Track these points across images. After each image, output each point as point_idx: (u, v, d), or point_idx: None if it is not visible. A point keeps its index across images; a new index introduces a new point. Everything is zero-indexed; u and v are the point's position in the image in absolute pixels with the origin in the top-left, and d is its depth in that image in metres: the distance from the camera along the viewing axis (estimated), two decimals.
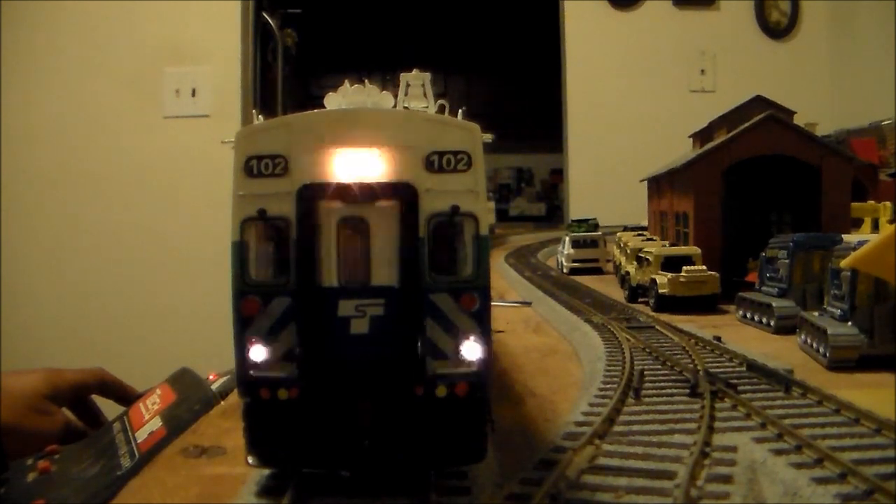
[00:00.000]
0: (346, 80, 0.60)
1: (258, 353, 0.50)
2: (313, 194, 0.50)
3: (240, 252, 0.50)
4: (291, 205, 0.50)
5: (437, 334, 0.50)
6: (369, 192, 0.50)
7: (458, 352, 0.50)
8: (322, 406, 0.50)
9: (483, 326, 0.50)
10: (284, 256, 0.50)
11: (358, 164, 0.50)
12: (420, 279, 0.49)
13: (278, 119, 0.52)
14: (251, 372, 0.50)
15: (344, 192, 0.50)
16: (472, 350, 0.50)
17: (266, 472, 0.53)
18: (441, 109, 0.65)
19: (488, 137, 0.53)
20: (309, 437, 0.50)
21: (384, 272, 0.50)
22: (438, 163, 0.50)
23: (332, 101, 0.59)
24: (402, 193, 0.50)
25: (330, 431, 0.50)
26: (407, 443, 0.50)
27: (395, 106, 0.61)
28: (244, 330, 0.50)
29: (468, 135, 0.51)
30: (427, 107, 0.69)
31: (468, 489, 0.51)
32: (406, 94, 0.70)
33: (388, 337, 0.50)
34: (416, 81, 0.70)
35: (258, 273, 0.50)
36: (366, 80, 0.60)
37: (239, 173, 0.51)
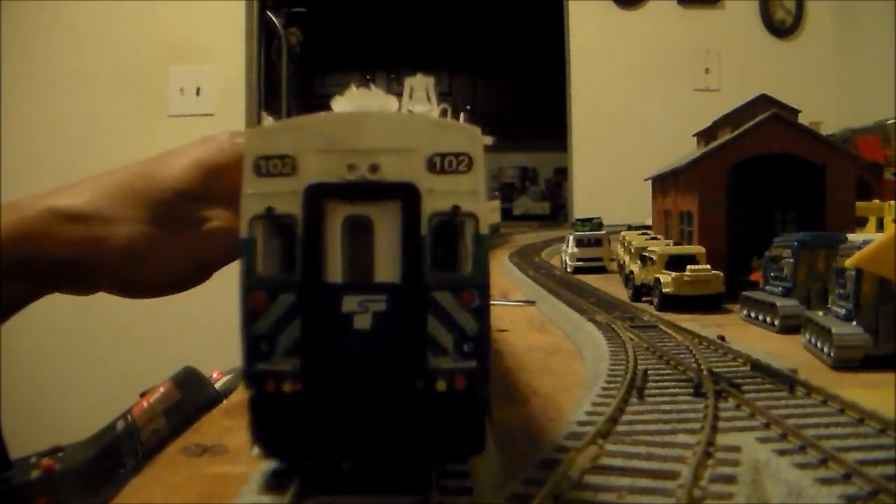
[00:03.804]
0: (352, 84, 0.60)
1: (264, 346, 0.50)
2: (319, 193, 0.50)
3: (248, 248, 0.51)
4: (298, 203, 0.50)
5: (438, 330, 0.50)
6: (373, 192, 0.50)
7: (457, 347, 0.50)
8: (325, 399, 0.50)
9: (482, 322, 0.51)
10: (291, 253, 0.50)
11: (362, 165, 0.51)
12: (422, 276, 0.50)
13: (287, 121, 0.53)
14: (257, 365, 0.50)
15: (349, 191, 0.50)
16: (471, 345, 0.50)
17: (268, 470, 0.53)
18: (443, 113, 0.65)
19: (488, 140, 0.54)
20: (312, 430, 0.51)
21: (387, 269, 0.50)
22: (440, 164, 0.51)
23: (339, 103, 0.59)
24: (404, 193, 0.50)
25: (333, 424, 0.50)
26: (408, 435, 0.51)
27: (399, 109, 0.61)
28: (251, 323, 0.50)
29: (469, 137, 0.52)
30: (430, 110, 0.69)
31: (470, 489, 0.51)
32: (410, 98, 0.71)
33: (390, 332, 0.50)
34: (420, 85, 0.71)
35: (265, 269, 0.51)
36: (371, 84, 0.60)
37: (248, 172, 0.51)
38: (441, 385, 0.50)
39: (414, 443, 0.51)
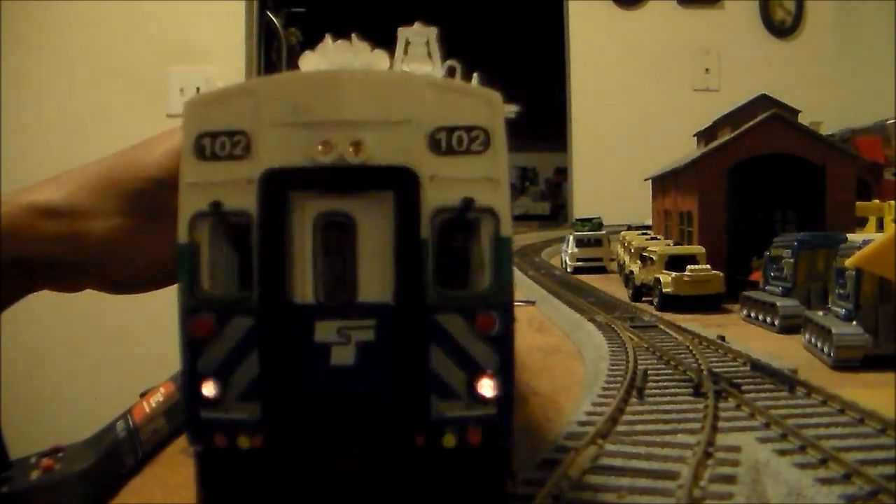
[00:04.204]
0: (327, 35, 0.46)
1: (212, 388, 0.39)
2: (282, 182, 0.39)
3: (189, 257, 0.39)
4: (254, 196, 0.39)
5: (444, 366, 0.39)
6: (356, 180, 0.39)
7: (471, 389, 0.40)
8: (294, 459, 0.39)
9: (504, 355, 0.40)
10: (246, 264, 0.39)
11: (341, 143, 0.39)
12: (421, 294, 0.39)
13: (238, 85, 0.41)
14: (203, 412, 0.39)
15: (322, 179, 0.39)
16: (489, 386, 0.40)
17: None
18: (450, 73, 0.50)
19: (511, 110, 0.43)
20: (277, 499, 0.39)
21: (375, 285, 0.39)
22: (447, 142, 0.40)
23: (310, 61, 0.45)
24: (398, 182, 0.39)
25: (304, 492, 0.39)
26: None
27: (391, 68, 0.47)
28: (194, 358, 0.39)
29: (486, 105, 0.41)
30: (433, 70, 0.53)
31: None
32: (405, 54, 0.53)
33: (379, 369, 0.39)
34: (419, 38, 0.53)
35: (213, 285, 0.39)
36: (353, 35, 0.46)
37: (188, 155, 0.39)
38: (449, 440, 0.39)
39: None
